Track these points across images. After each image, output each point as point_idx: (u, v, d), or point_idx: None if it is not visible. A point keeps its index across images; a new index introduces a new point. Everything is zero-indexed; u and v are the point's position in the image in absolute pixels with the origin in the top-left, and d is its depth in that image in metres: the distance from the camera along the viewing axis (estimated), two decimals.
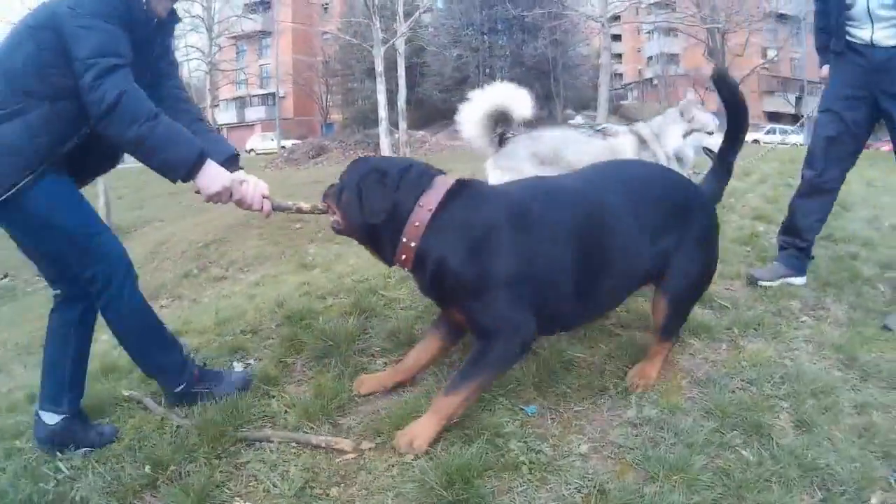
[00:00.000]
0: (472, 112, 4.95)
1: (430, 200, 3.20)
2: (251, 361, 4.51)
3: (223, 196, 3.49)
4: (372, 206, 3.21)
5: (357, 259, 7.26)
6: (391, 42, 29.34)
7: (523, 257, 3.19)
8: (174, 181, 3.38)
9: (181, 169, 3.32)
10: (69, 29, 3.15)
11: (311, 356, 4.40)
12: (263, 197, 3.61)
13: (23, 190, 3.21)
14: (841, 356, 4.34)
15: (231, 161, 3.72)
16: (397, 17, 32.20)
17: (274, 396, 3.96)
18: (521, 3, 44.39)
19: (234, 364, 4.47)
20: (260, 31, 76.29)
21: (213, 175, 3.41)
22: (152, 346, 3.81)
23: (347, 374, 4.09)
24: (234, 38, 69.39)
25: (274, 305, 5.44)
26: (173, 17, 3.87)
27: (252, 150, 62.90)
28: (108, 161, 3.85)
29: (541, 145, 5.07)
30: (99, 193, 29.45)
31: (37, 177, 3.25)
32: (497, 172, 4.93)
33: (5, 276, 24.99)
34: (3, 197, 3.18)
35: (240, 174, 3.60)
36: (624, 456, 3.28)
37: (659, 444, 3.32)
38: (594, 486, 3.04)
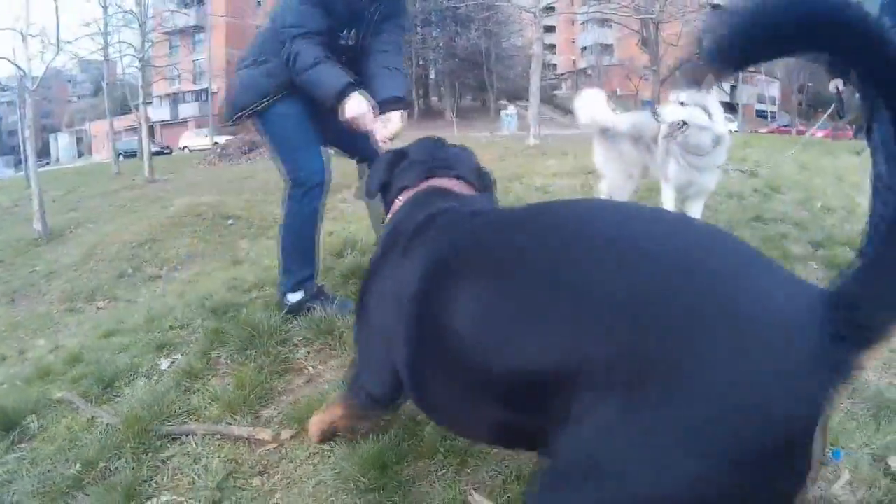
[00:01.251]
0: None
1: (404, 196, 2.85)
2: (178, 357, 4.50)
3: (357, 122, 4.30)
4: (368, 183, 3.14)
5: None
6: None
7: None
8: (333, 107, 4.28)
9: (331, 98, 4.27)
10: (278, 8, 4.51)
11: (234, 349, 4.37)
12: (383, 141, 4.26)
13: (261, 110, 4.61)
14: None
15: (389, 102, 4.41)
16: None
17: (198, 390, 3.95)
18: None
19: (161, 361, 4.47)
20: (193, 27, 75.61)
21: (352, 104, 4.24)
22: (298, 252, 4.80)
23: (269, 364, 4.07)
24: (167, 33, 68.62)
25: (201, 300, 5.47)
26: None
27: (185, 146, 62.37)
28: None
29: (630, 127, 6.15)
30: (33, 196, 29.08)
31: (271, 103, 4.57)
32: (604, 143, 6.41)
33: None
34: (250, 110, 4.62)
35: (387, 115, 4.36)
36: None
37: None
38: (513, 471, 2.98)
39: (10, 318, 15.52)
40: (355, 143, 4.83)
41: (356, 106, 4.26)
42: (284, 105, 4.60)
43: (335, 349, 4.26)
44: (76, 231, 28.18)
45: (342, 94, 4.25)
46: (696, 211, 5.68)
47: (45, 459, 3.44)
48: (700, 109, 5.24)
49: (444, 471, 3.01)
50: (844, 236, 6.77)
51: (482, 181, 2.97)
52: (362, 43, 4.65)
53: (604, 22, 67.62)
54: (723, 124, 5.35)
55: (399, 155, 3.09)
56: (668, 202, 5.83)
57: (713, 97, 5.32)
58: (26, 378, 4.70)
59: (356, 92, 4.27)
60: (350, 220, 8.90)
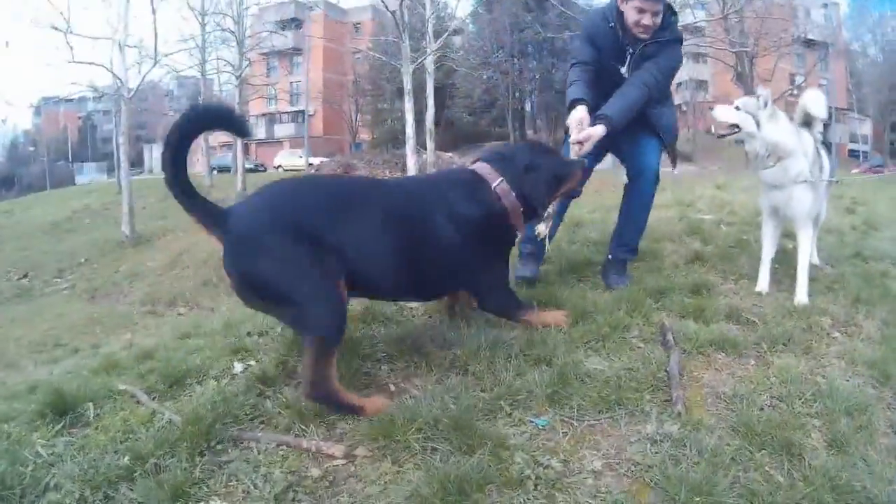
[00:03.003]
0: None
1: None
2: (253, 362, 4.35)
3: (570, 130, 5.27)
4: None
5: None
6: (420, 60, 29.13)
7: None
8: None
9: (567, 108, 5.43)
10: None
11: None
12: (573, 143, 5.10)
13: None
14: (874, 373, 4.08)
15: (598, 116, 5.18)
16: (427, 37, 32.10)
17: (269, 397, 3.82)
18: (551, 26, 44.22)
19: (235, 364, 4.32)
20: (291, 49, 76.46)
21: (571, 114, 5.31)
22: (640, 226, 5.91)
23: (348, 377, 3.88)
24: (265, 54, 69.52)
25: None
26: (660, 41, 5.50)
27: (280, 166, 63.00)
28: None
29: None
30: (123, 202, 29.56)
31: None
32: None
33: (25, 276, 25.10)
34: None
35: (589, 127, 5.11)
36: (641, 474, 3.05)
37: (680, 462, 3.06)
38: None
39: (89, 313, 15.71)
40: (631, 157, 5.80)
41: (572, 115, 5.32)
42: None
43: (420, 367, 4.14)
44: (164, 238, 28.69)
45: (570, 106, 5.38)
46: (802, 242, 5.43)
47: (95, 448, 3.36)
48: (749, 117, 5.29)
49: (529, 503, 2.85)
50: None
51: (513, 172, 4.24)
52: (630, 72, 5.54)
53: (698, 57, 67.03)
54: (780, 134, 5.26)
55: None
56: (764, 229, 5.72)
57: (768, 109, 5.27)
58: (93, 369, 4.58)
59: (580, 105, 5.31)
60: None
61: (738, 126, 5.34)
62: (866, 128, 75.94)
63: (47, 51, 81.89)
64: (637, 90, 5.36)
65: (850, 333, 4.78)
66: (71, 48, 30.77)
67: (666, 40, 5.50)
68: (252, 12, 52.26)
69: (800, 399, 3.68)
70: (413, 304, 5.17)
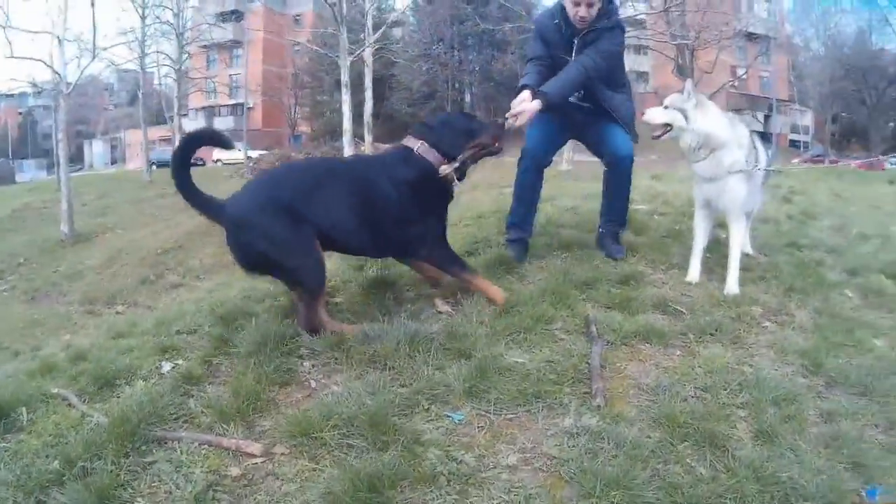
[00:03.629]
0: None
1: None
2: (180, 361, 4.36)
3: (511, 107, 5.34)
4: None
5: None
6: (358, 52, 29.04)
7: None
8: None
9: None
10: None
11: (237, 356, 4.24)
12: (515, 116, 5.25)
13: None
14: (806, 362, 4.13)
15: (536, 95, 5.34)
16: (366, 29, 31.96)
17: (193, 396, 3.83)
18: (491, 18, 44.38)
19: (163, 364, 4.33)
20: (231, 41, 75.77)
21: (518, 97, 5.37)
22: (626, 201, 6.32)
23: (270, 374, 3.92)
24: (205, 46, 68.83)
25: (213, 307, 5.33)
26: (599, 28, 5.71)
27: (219, 160, 62.47)
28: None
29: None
30: (62, 199, 29.19)
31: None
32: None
33: None
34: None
35: (529, 104, 5.27)
36: (557, 469, 3.05)
37: (598, 456, 3.06)
38: (520, 502, 2.83)
39: (30, 315, 15.51)
40: (602, 145, 6.13)
41: (517, 97, 5.37)
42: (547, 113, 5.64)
43: (341, 363, 4.12)
44: (103, 236, 28.36)
45: (517, 92, 5.49)
46: (734, 234, 5.44)
47: (28, 453, 3.35)
48: (677, 112, 5.34)
49: (441, 500, 2.85)
50: (880, 263, 6.50)
51: (431, 133, 4.86)
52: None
53: (640, 49, 67.32)
54: (711, 125, 5.30)
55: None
56: (696, 219, 5.75)
57: (693, 100, 5.34)
58: (30, 372, 4.60)
59: (525, 90, 5.41)
60: None
61: (669, 125, 5.38)
62: (807, 119, 76.86)
63: None
64: (573, 69, 5.62)
65: (782, 323, 4.80)
66: (10, 43, 30.30)
67: (604, 27, 5.70)
68: (192, 4, 51.90)
69: (725, 390, 3.68)
70: (337, 299, 5.25)
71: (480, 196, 10.99)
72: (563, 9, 5.75)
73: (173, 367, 4.27)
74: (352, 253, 5.30)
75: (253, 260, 4.33)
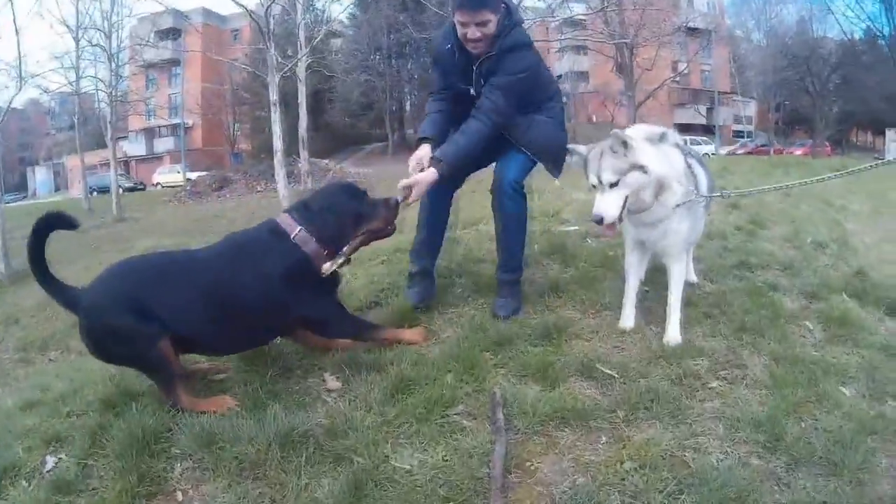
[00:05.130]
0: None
1: None
2: (62, 456, 3.82)
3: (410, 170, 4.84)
4: None
5: None
6: (288, 67, 28.38)
7: None
8: None
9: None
10: None
11: (112, 456, 3.67)
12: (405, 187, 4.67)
13: None
14: (762, 437, 3.41)
15: (434, 160, 4.76)
16: (299, 43, 31.33)
17: None
18: (428, 25, 43.96)
19: (48, 459, 3.83)
20: (169, 60, 75.12)
21: (416, 152, 4.94)
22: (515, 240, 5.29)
23: (137, 483, 3.42)
24: (143, 66, 68.03)
25: (104, 379, 4.72)
26: (499, 52, 4.93)
27: (158, 183, 61.77)
28: None
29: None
30: None
31: None
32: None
33: None
34: None
35: (423, 175, 4.70)
36: None
37: None
38: None
39: None
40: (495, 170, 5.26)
41: (413, 154, 4.96)
42: None
43: (210, 469, 3.54)
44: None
45: (416, 144, 5.08)
46: (675, 276, 4.63)
47: None
48: (636, 171, 4.20)
49: None
50: (839, 279, 6.02)
51: (312, 218, 4.28)
52: (478, 93, 5.07)
53: (579, 49, 67.49)
54: (658, 166, 4.25)
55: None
56: (628, 260, 4.91)
57: (646, 146, 4.26)
58: None
59: (423, 144, 4.98)
60: None
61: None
62: (750, 109, 78.00)
63: None
64: (474, 125, 4.91)
65: (733, 379, 4.06)
66: None
67: (505, 49, 4.91)
68: (130, 24, 51.14)
69: (661, 492, 2.98)
70: (220, 376, 4.62)
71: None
72: (455, 30, 4.98)
73: (56, 464, 3.76)
74: (218, 354, 4.71)
75: (102, 354, 4.11)
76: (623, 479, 3.06)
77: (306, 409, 3.92)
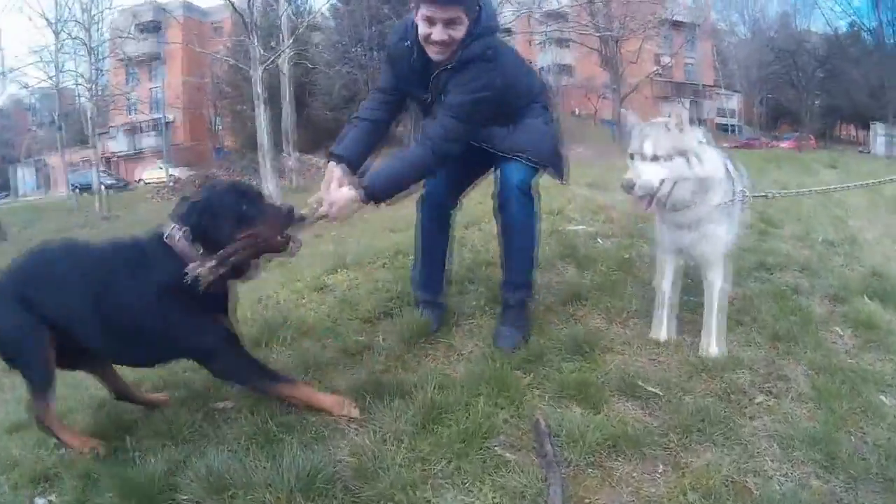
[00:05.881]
0: None
1: None
2: (52, 498, 3.41)
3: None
4: None
5: None
6: (270, 60, 28.17)
7: None
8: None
9: None
10: None
11: None
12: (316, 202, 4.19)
13: None
14: (817, 455, 3.21)
15: (361, 185, 4.17)
16: (281, 36, 31.14)
17: None
18: (409, 17, 43.95)
19: (37, 501, 3.44)
20: (150, 54, 74.84)
21: (329, 169, 4.37)
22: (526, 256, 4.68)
23: None
24: (123, 61, 67.72)
25: (98, 403, 4.39)
26: (464, 60, 4.22)
27: (141, 179, 61.55)
28: None
29: None
30: None
31: None
32: None
33: None
34: None
35: (342, 192, 4.16)
36: None
37: None
38: None
39: None
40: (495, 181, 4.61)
41: (325, 176, 4.36)
42: None
43: None
44: None
45: (330, 157, 4.47)
46: (715, 283, 4.36)
47: None
48: (682, 158, 3.94)
49: None
50: (857, 280, 5.93)
51: (202, 236, 3.67)
52: (434, 103, 4.44)
53: (562, 42, 67.65)
54: (712, 163, 4.03)
55: None
56: (663, 272, 4.62)
57: (699, 134, 4.04)
58: None
59: (334, 165, 4.36)
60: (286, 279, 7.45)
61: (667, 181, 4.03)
62: (733, 103, 78.61)
63: None
64: (420, 151, 4.26)
65: (777, 393, 3.83)
66: None
67: (464, 61, 4.20)
68: (110, 18, 50.99)
69: None
70: (220, 405, 4.08)
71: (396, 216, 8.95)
72: (416, 27, 4.30)
73: None
74: (117, 362, 4.21)
75: None
76: None
77: (326, 444, 3.47)
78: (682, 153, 3.90)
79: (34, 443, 4.02)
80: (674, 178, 3.92)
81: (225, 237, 3.63)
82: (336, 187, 4.19)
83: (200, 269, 3.48)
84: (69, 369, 3.99)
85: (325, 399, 3.78)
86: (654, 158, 3.89)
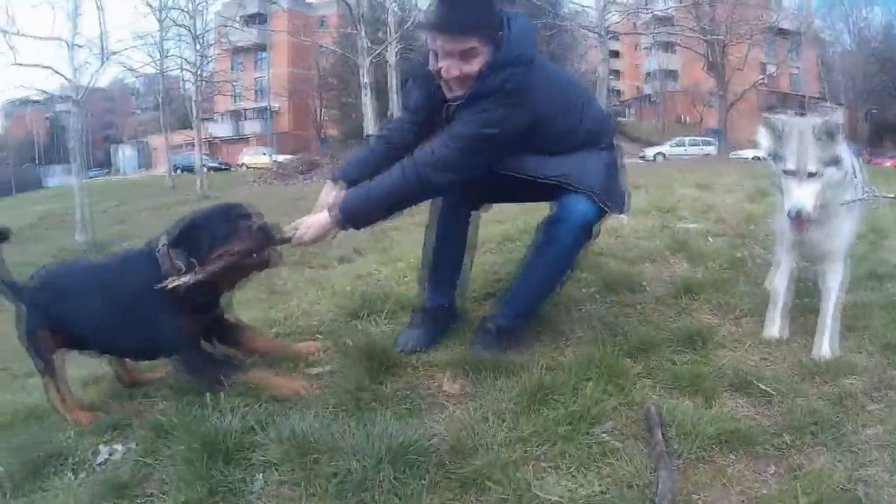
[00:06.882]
0: None
1: None
2: (119, 448, 3.43)
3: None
4: None
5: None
6: (378, 51, 28.38)
7: None
8: None
9: None
10: None
11: (176, 463, 3.12)
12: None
13: None
14: None
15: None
16: (388, 28, 31.32)
17: None
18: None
19: (101, 449, 3.45)
20: (256, 44, 76.17)
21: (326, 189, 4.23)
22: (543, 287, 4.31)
23: (206, 499, 2.85)
24: (228, 50, 68.95)
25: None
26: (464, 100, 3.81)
27: (244, 164, 62.55)
28: None
29: None
30: (76, 207, 28.62)
31: None
32: None
33: None
34: None
35: (313, 217, 4.01)
36: None
37: None
38: None
39: None
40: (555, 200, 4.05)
41: (321, 196, 4.20)
42: None
43: (302, 483, 2.94)
44: (120, 245, 27.81)
45: (332, 175, 4.35)
46: (832, 282, 4.26)
47: None
48: (832, 167, 3.79)
49: None
50: None
51: (182, 251, 3.84)
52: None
53: (668, 46, 67.15)
54: (846, 159, 3.88)
55: None
56: (781, 269, 4.53)
57: (841, 138, 3.81)
58: None
59: (332, 184, 4.22)
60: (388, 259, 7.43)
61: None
62: (838, 116, 76.88)
63: None
64: (399, 174, 3.85)
65: (889, 402, 3.63)
66: (12, 49, 29.50)
67: (478, 95, 3.71)
68: (214, 8, 51.91)
69: None
70: (316, 369, 4.14)
71: (508, 208, 9.03)
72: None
73: (109, 457, 3.38)
74: (106, 351, 4.43)
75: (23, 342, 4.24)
76: None
77: (422, 417, 3.43)
78: (834, 160, 3.78)
79: (108, 394, 4.32)
80: (825, 187, 3.82)
81: (201, 255, 3.83)
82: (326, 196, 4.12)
83: (174, 283, 3.73)
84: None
85: (278, 383, 3.84)
86: (811, 175, 3.76)
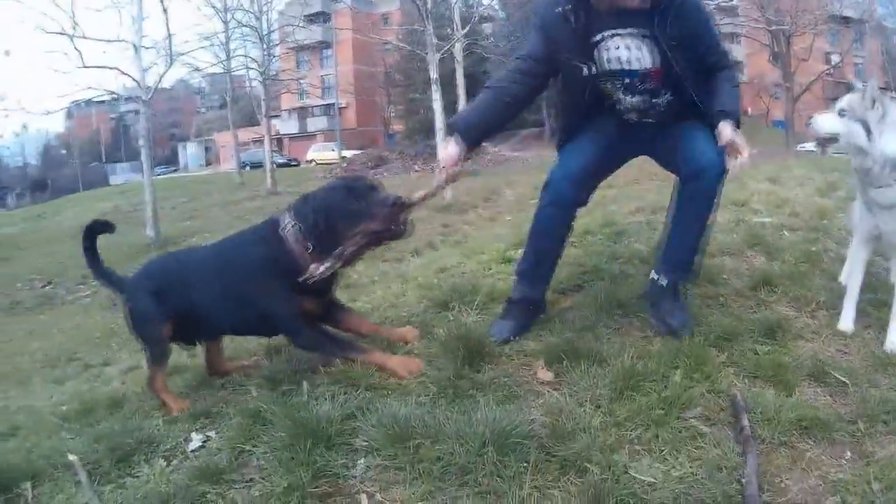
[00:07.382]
0: None
1: None
2: (212, 434, 3.62)
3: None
4: None
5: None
6: (447, 48, 28.48)
7: None
8: None
9: None
10: None
11: (273, 448, 3.25)
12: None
13: None
14: None
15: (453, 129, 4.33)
16: (454, 24, 31.35)
17: (212, 502, 2.99)
18: None
19: (193, 436, 3.62)
20: (320, 42, 76.53)
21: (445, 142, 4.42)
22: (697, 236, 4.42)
23: (307, 481, 2.95)
24: (293, 48, 69.33)
25: (269, 351, 4.84)
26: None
27: (312, 160, 62.92)
28: None
29: None
30: (145, 203, 29.06)
31: None
32: None
33: (49, 284, 24.76)
34: None
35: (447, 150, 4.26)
36: None
37: None
38: None
39: (107, 324, 15.09)
40: (679, 154, 4.25)
41: (440, 152, 4.39)
42: None
43: (405, 469, 3.03)
44: (190, 240, 28.31)
45: (448, 127, 4.58)
46: None
47: None
48: (859, 125, 4.06)
49: None
50: None
51: (316, 236, 4.01)
52: (602, 72, 4.11)
53: (733, 37, 66.30)
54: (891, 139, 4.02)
55: None
56: (855, 257, 4.69)
57: (878, 109, 4.04)
58: (63, 415, 4.62)
59: (452, 139, 4.25)
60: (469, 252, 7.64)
61: (836, 137, 4.20)
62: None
63: (55, 56, 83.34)
64: (487, 92, 4.33)
65: None
66: (79, 52, 29.84)
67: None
68: (278, 8, 52.30)
69: None
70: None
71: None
72: None
73: (203, 444, 3.55)
74: (223, 332, 4.73)
75: (132, 329, 4.51)
76: (873, 502, 2.81)
77: (519, 403, 3.51)
78: (863, 122, 4.02)
79: (198, 382, 4.63)
80: (846, 139, 4.11)
81: (339, 235, 3.97)
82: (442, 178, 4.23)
83: (320, 271, 3.85)
84: (190, 345, 4.73)
85: (393, 362, 4.01)
86: (840, 113, 4.12)
